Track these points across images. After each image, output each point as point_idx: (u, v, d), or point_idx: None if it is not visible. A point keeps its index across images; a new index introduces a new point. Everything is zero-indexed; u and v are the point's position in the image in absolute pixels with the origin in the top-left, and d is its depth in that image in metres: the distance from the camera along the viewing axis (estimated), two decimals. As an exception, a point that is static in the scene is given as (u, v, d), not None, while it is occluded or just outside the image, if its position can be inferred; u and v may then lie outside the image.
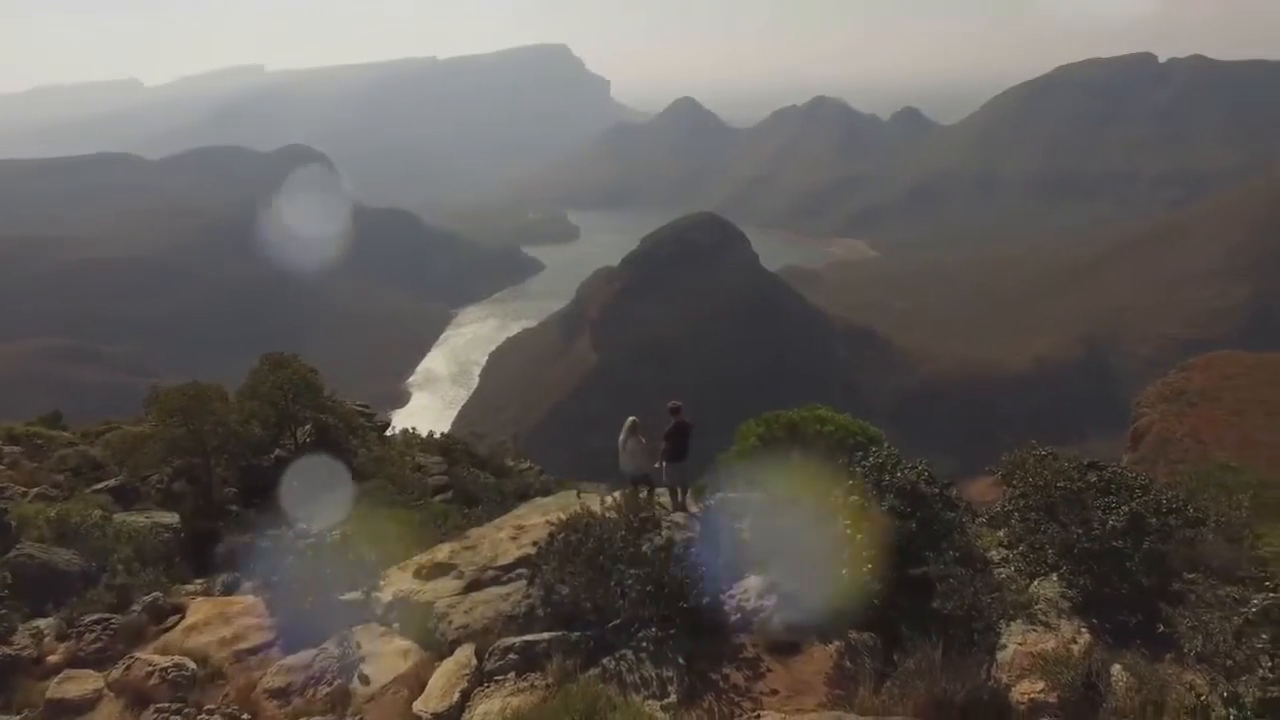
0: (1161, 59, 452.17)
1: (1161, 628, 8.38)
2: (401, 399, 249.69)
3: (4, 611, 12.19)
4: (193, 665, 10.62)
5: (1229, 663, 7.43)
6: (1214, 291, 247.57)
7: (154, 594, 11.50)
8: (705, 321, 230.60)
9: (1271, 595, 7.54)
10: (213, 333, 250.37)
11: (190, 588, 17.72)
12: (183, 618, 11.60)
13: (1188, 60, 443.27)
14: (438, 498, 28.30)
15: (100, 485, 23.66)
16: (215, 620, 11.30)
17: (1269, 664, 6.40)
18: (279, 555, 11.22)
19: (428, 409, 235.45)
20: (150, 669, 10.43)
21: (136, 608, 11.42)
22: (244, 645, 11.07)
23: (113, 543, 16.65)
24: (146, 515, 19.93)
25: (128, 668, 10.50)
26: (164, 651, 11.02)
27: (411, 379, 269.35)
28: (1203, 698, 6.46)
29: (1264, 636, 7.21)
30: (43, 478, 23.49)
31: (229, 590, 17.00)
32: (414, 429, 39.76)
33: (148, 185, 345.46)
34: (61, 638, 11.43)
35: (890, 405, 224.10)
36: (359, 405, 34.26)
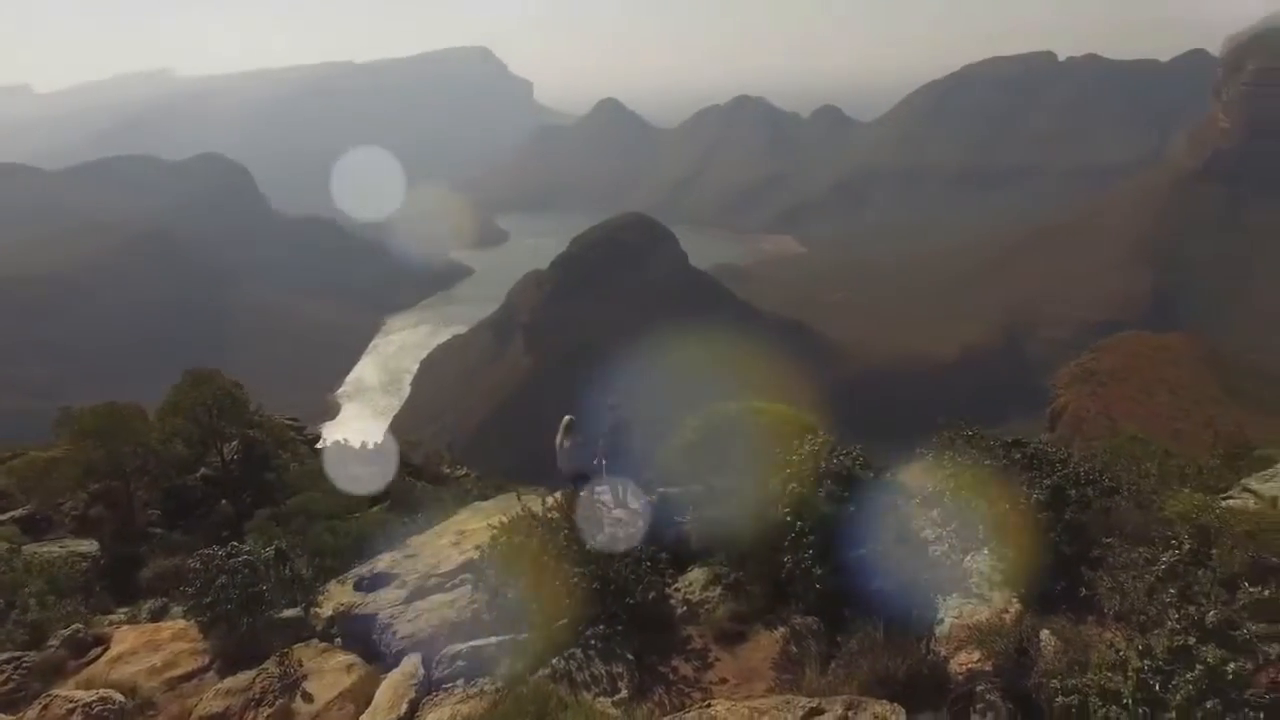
0: (1060, 58, 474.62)
1: (1083, 591, 8.83)
2: (331, 411, 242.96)
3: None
4: (120, 697, 10.11)
5: (1143, 618, 7.92)
6: (1120, 278, 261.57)
7: (73, 626, 10.85)
8: (637, 321, 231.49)
9: (1177, 554, 8.09)
10: (129, 352, 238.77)
11: (114, 617, 16.91)
12: (107, 649, 11.02)
13: (1084, 59, 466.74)
14: (375, 508, 27.66)
15: (5, 516, 22.40)
16: (143, 649, 10.79)
17: (1176, 616, 6.88)
18: (211, 576, 10.77)
19: (359, 420, 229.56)
20: (71, 705, 9.89)
21: (54, 642, 10.77)
22: (176, 672, 10.61)
23: (22, 576, 15.76)
24: (61, 545, 18.94)
25: (45, 706, 9.93)
26: (87, 685, 10.46)
27: (341, 390, 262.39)
28: (1121, 652, 6.87)
29: (1171, 591, 7.76)
30: (-58, 512, 22.11)
31: (157, 616, 16.30)
32: (346, 440, 38.76)
33: (50, 199, 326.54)
34: (-31, 680, 10.72)
35: (823, 396, 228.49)
36: (288, 419, 33.24)
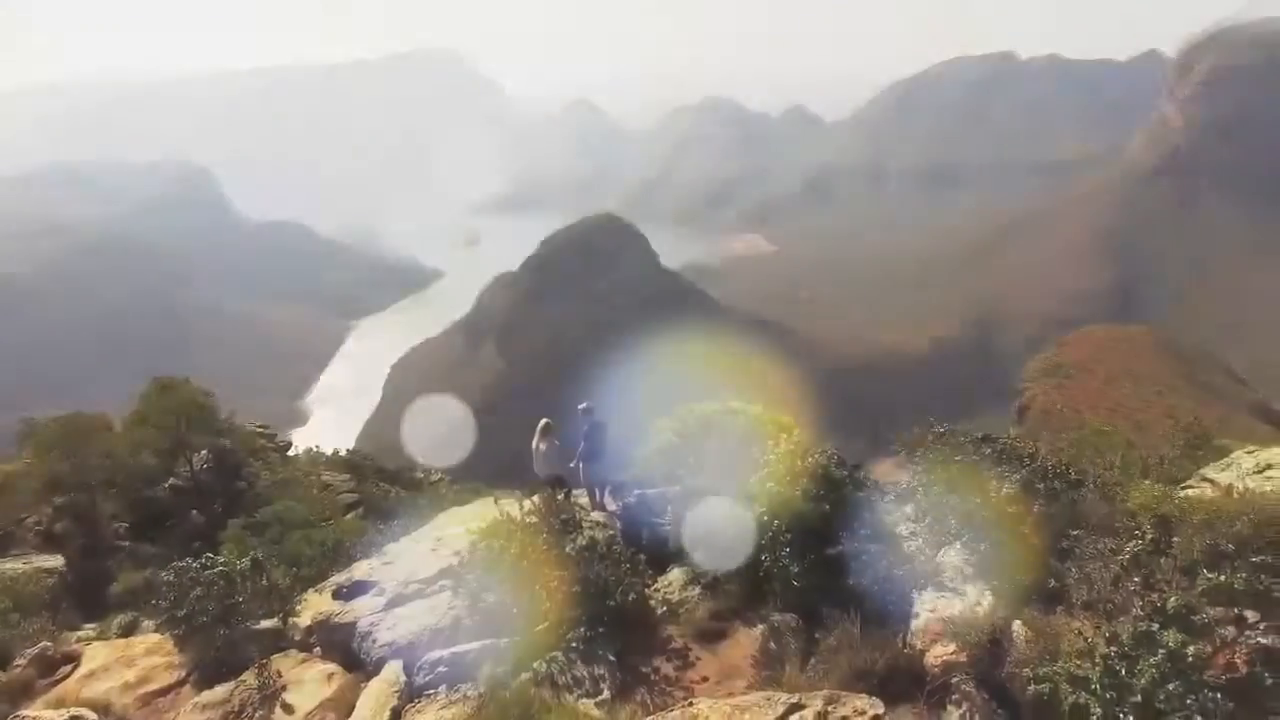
0: (1023, 57, 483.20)
1: (1052, 582, 9.08)
2: (300, 418, 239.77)
3: None
4: (93, 716, 9.95)
5: (1109, 606, 8.19)
6: (1084, 272, 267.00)
7: (41, 644, 10.55)
8: (609, 322, 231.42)
9: (1139, 543, 8.38)
10: (89, 359, 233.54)
11: (82, 633, 16.62)
12: (77, 666, 10.79)
13: (1044, 59, 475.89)
14: (349, 515, 27.39)
15: (-32, 532, 21.85)
16: (116, 665, 10.58)
17: (1139, 603, 7.14)
18: (185, 588, 10.62)
19: (330, 426, 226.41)
20: (43, 724, 9.71)
21: (20, 661, 10.48)
22: (151, 687, 10.45)
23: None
24: (25, 561, 18.51)
25: (15, 727, 9.75)
26: (58, 704, 10.27)
27: (310, 396, 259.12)
28: (1088, 640, 7.11)
29: (1135, 580, 8.04)
30: (-100, 528, 21.50)
31: (128, 631, 16.06)
32: (317, 447, 38.29)
33: (2, 203, 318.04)
34: (-68, 703, 10.45)
35: (795, 393, 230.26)
36: (258, 427, 32.78)
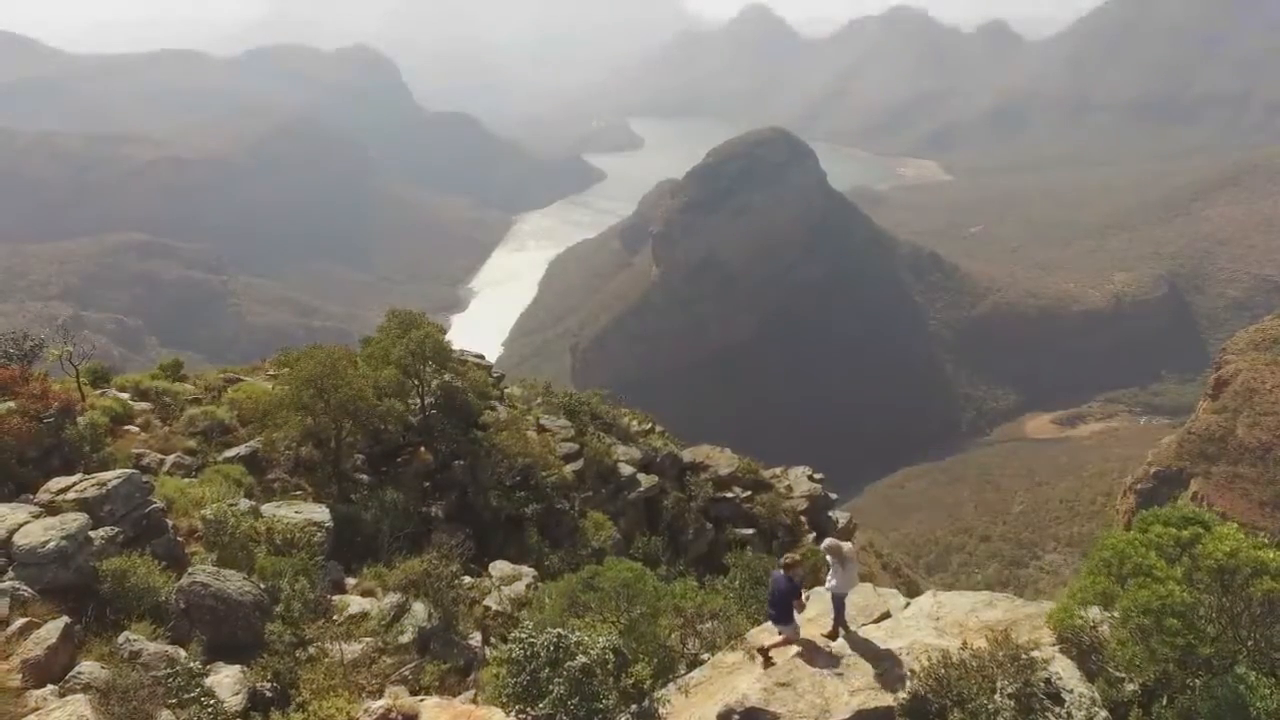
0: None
1: None
2: (461, 304, 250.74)
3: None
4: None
5: None
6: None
7: (382, 703, 9.53)
8: (768, 239, 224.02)
9: None
10: (280, 231, 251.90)
11: (351, 590, 16.39)
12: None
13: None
14: (569, 468, 26.52)
15: (232, 453, 22.40)
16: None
17: None
18: (538, 669, 8.99)
19: (488, 314, 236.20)
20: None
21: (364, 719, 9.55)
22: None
23: (278, 562, 15.28)
24: (294, 509, 18.42)
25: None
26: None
27: (471, 284, 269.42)
28: None
29: None
30: (175, 443, 22.25)
31: (398, 615, 15.41)
32: (510, 379, 37.96)
33: (213, 84, 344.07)
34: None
35: (953, 334, 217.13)
36: (474, 357, 32.39)
